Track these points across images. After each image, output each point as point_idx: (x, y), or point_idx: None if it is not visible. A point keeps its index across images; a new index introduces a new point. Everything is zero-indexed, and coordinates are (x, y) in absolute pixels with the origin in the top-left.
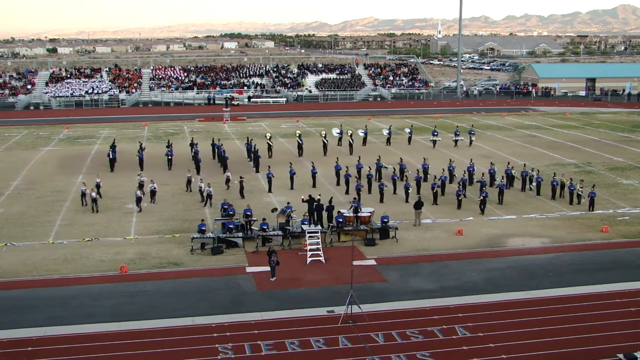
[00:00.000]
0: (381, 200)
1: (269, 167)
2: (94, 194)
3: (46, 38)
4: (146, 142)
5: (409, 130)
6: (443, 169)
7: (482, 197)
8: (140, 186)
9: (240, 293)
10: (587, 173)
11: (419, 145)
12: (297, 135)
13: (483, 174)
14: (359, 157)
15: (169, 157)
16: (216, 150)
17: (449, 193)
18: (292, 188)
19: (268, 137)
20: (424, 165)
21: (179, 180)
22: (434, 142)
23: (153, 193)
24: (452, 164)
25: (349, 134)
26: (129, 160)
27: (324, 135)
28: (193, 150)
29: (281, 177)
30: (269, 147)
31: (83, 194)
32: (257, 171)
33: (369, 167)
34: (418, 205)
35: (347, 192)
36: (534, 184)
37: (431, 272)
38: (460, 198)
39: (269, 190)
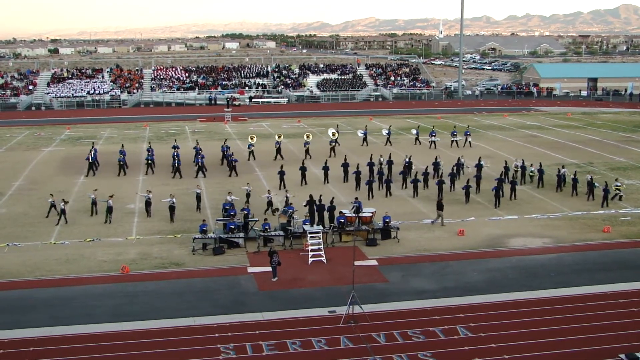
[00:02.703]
0: (386, 195)
1: (282, 165)
2: (62, 205)
3: (48, 39)
4: (146, 143)
5: (416, 132)
6: (453, 168)
7: (495, 191)
8: (148, 204)
9: (242, 293)
10: (588, 173)
11: (422, 146)
12: (277, 136)
13: (501, 172)
14: (371, 155)
15: (149, 162)
16: (225, 154)
17: (454, 192)
18: (305, 183)
19: (279, 138)
20: (434, 162)
21: (179, 181)
22: (434, 142)
23: (172, 209)
24: (462, 160)
25: (335, 137)
26: (132, 162)
27: (308, 137)
28: (197, 154)
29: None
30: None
31: (53, 206)
32: (237, 175)
33: (380, 165)
34: (440, 207)
35: (357, 189)
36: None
37: (433, 273)
38: (469, 190)
39: (280, 188)
